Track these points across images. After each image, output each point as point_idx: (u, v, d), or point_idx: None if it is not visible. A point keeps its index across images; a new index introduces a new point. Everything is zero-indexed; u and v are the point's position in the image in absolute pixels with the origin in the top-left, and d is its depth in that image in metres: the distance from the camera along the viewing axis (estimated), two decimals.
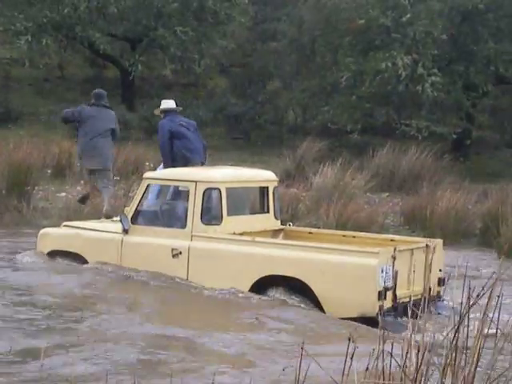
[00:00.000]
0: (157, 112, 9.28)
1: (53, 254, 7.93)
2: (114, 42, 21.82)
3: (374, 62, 16.74)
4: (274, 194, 7.97)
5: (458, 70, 17.64)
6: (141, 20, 20.62)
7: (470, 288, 2.81)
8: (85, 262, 7.73)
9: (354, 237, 7.84)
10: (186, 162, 8.72)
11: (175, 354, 5.44)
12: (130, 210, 7.62)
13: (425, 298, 3.22)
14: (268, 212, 7.94)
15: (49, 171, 13.72)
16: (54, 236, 8.08)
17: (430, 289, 6.86)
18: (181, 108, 9.47)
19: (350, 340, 2.54)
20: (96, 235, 7.76)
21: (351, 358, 2.59)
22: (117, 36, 21.63)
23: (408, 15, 16.92)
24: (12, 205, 10.96)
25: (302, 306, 6.74)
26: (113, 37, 21.50)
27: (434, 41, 17.01)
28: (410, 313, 3.57)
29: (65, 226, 8.21)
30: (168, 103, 9.11)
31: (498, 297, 2.86)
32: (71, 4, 19.88)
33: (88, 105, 9.58)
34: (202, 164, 8.97)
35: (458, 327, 2.76)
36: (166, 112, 9.02)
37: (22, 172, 11.56)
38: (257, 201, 8.10)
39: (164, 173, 8.10)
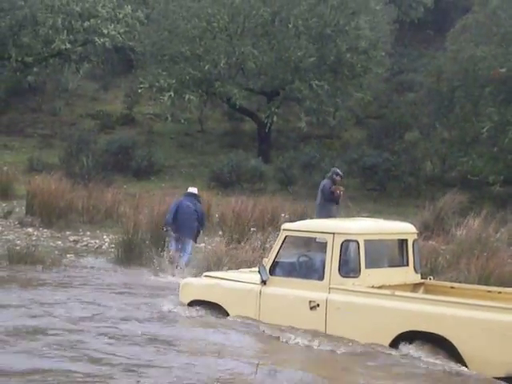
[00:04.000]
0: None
1: (194, 303, 8.10)
2: (251, 96, 22.44)
3: None
4: (413, 246, 7.79)
5: None
6: (278, 74, 21.06)
7: None
8: (224, 312, 7.83)
9: (499, 292, 7.49)
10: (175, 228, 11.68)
11: None
12: (268, 261, 7.68)
13: None
14: (407, 265, 7.76)
15: None
16: (195, 286, 8.26)
17: None
18: (199, 197, 12.31)
19: None
20: (235, 285, 7.85)
21: None
22: (254, 90, 22.20)
23: None
24: (154, 255, 11.33)
25: (446, 363, 6.47)
26: (250, 91, 22.09)
27: None
28: None
29: (205, 276, 8.40)
30: (191, 189, 12.25)
31: None
32: (211, 60, 20.71)
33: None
34: (193, 233, 11.62)
35: None
36: (187, 194, 12.10)
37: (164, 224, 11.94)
38: (396, 253, 7.92)
39: (302, 224, 8.13)
